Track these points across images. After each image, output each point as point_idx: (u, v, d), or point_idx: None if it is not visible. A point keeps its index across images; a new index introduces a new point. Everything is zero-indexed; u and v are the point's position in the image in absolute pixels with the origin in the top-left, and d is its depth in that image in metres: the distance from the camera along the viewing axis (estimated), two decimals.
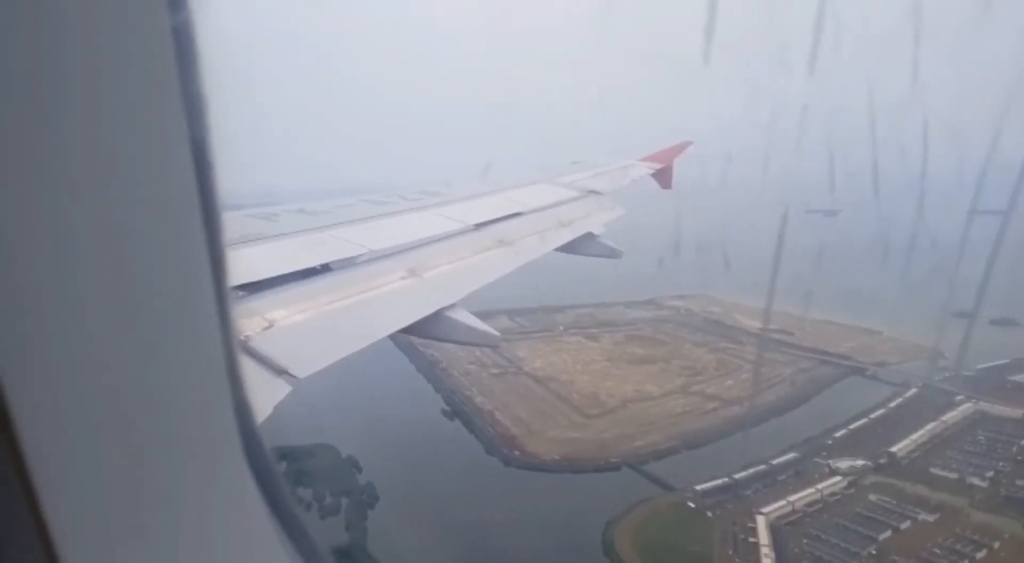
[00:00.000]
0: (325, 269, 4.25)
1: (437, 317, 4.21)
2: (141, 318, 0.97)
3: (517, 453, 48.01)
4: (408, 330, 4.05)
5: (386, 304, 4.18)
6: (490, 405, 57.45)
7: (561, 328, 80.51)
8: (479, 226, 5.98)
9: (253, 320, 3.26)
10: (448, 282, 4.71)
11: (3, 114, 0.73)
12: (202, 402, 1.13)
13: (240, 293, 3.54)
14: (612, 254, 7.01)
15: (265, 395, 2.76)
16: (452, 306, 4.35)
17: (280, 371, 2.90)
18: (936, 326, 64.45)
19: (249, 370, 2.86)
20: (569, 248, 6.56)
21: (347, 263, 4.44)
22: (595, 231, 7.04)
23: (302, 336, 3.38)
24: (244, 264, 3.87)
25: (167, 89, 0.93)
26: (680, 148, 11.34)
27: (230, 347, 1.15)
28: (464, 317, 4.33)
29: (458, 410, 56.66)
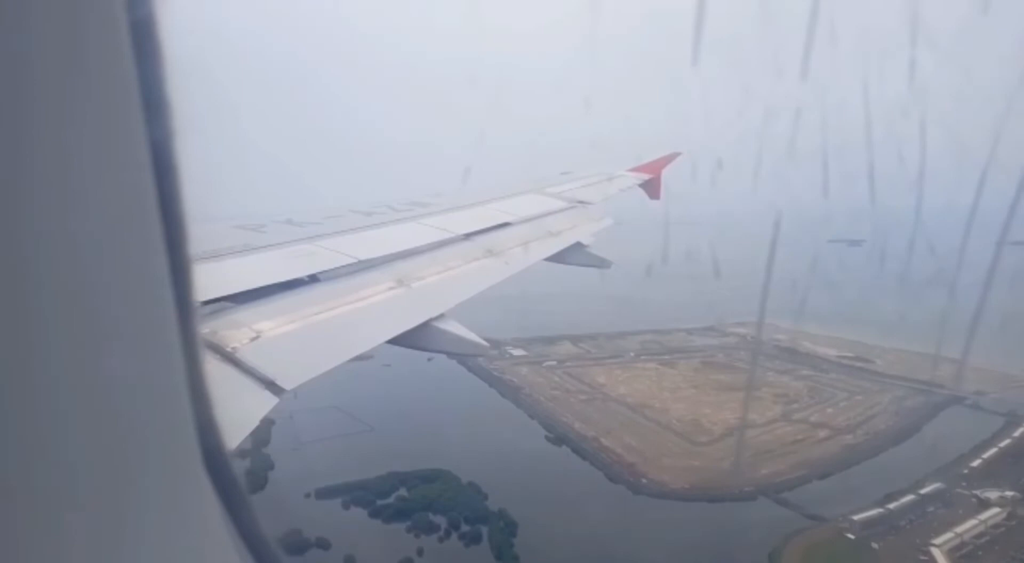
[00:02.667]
0: (313, 280, 4.19)
1: (426, 328, 4.14)
2: (95, 324, 0.92)
3: (644, 481, 46.87)
4: (397, 341, 3.97)
5: (374, 315, 4.11)
6: (592, 432, 56.38)
7: (631, 354, 79.69)
8: (468, 236, 5.96)
9: (240, 331, 3.19)
10: (437, 292, 4.67)
11: None
12: (159, 411, 1.07)
13: (227, 304, 3.46)
14: (601, 264, 6.97)
15: (252, 407, 2.70)
16: (441, 316, 4.28)
17: (267, 383, 2.85)
18: (1015, 355, 63.93)
19: (236, 382, 2.84)
20: (558, 258, 6.56)
21: (335, 273, 4.38)
22: (584, 241, 7.05)
23: (289, 347, 3.32)
24: (231, 275, 3.77)
25: (128, 95, 0.91)
26: (668, 159, 11.32)
27: (193, 357, 1.11)
28: (453, 327, 4.25)
29: (562, 436, 55.59)
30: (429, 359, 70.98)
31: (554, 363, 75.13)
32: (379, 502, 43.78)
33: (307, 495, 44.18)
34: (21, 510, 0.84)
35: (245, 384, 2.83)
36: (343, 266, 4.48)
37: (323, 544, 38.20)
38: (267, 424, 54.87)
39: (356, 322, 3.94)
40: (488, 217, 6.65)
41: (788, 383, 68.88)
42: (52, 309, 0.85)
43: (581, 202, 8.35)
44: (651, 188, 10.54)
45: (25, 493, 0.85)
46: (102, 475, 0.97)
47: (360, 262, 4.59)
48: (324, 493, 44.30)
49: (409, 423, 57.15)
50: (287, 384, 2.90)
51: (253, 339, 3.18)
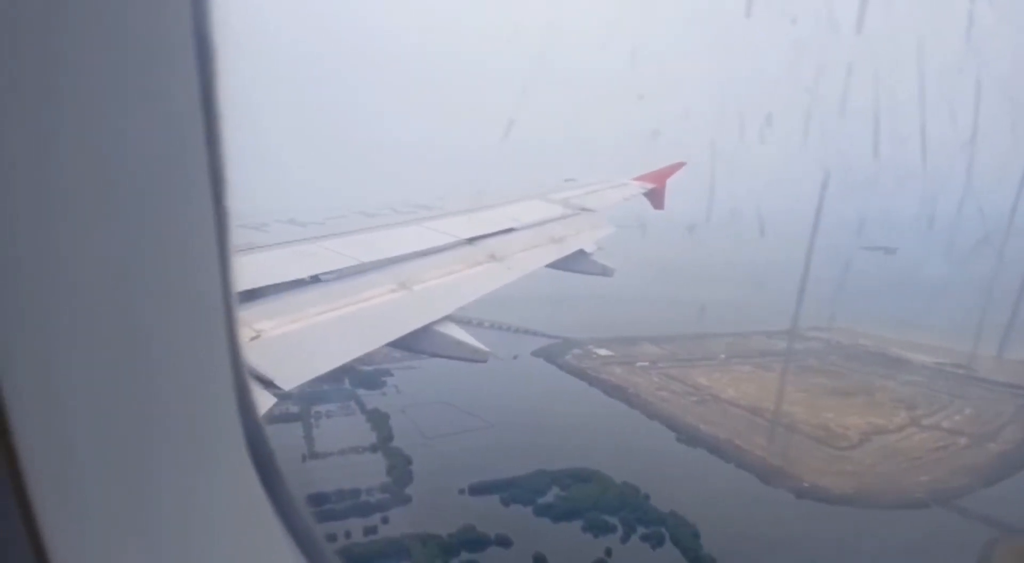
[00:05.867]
0: (314, 280, 4.22)
1: (426, 331, 4.14)
2: (144, 316, 0.96)
3: (806, 485, 45.51)
4: (397, 344, 3.97)
5: (375, 317, 4.11)
6: (722, 434, 55.13)
7: (722, 356, 78.43)
8: (471, 240, 5.98)
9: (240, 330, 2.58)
10: (438, 296, 4.67)
11: (12, 113, 0.73)
12: (206, 400, 1.11)
13: None
14: (603, 272, 6.96)
15: None
16: (442, 320, 4.28)
17: (266, 383, 2.83)
18: None
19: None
20: (561, 265, 6.57)
21: (337, 275, 4.40)
22: (587, 248, 7.06)
23: (289, 347, 3.33)
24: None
25: (185, 91, 0.95)
26: (672, 169, 11.40)
27: (235, 347, 1.14)
28: (454, 331, 4.24)
29: (693, 437, 54.33)
30: (515, 357, 69.99)
31: (646, 364, 73.95)
32: (539, 500, 42.39)
33: (460, 491, 42.84)
34: (70, 502, 0.86)
35: None
36: (345, 267, 4.51)
37: (503, 541, 36.89)
38: (383, 418, 53.64)
39: (356, 324, 3.92)
40: (491, 222, 6.69)
41: (898, 389, 67.46)
42: (101, 296, 0.86)
43: (584, 209, 8.35)
44: (655, 198, 10.68)
45: (75, 485, 0.86)
46: (148, 456, 0.97)
47: (362, 264, 4.62)
48: (477, 489, 43.04)
49: (528, 420, 55.99)
50: (286, 384, 2.86)
51: (252, 338, 3.17)
